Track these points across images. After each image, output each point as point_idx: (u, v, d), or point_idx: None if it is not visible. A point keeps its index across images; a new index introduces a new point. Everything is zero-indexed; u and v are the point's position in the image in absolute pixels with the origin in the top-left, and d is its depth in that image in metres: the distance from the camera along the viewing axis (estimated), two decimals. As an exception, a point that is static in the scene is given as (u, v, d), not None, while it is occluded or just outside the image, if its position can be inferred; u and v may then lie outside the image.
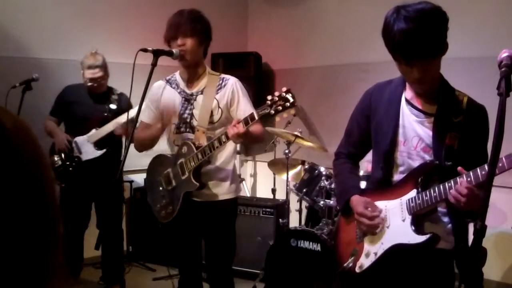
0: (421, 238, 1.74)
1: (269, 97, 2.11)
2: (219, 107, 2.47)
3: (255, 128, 2.34)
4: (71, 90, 3.61)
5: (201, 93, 2.50)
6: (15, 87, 3.38)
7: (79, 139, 3.53)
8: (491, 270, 3.56)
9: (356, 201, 1.91)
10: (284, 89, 2.08)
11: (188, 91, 2.53)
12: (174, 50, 2.36)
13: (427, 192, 1.74)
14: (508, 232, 3.59)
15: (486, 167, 1.54)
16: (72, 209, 3.57)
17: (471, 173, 1.60)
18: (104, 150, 3.58)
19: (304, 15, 4.93)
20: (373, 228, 1.87)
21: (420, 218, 1.80)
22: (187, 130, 2.51)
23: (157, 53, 2.28)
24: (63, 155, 3.53)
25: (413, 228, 1.77)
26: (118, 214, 3.65)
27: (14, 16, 3.80)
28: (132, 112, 3.32)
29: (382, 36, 1.71)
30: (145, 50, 2.24)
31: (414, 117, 1.84)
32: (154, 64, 2.27)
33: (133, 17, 4.46)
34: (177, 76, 2.60)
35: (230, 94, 2.48)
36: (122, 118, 3.48)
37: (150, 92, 2.58)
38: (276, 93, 2.09)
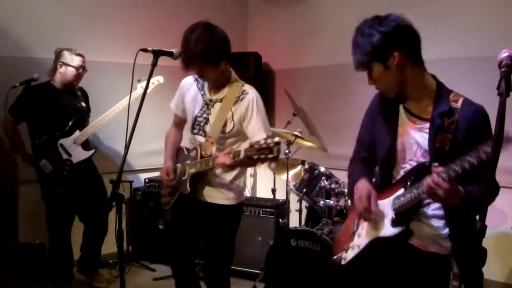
0: (393, 231, 1.78)
1: (262, 142, 2.13)
2: (232, 119, 2.48)
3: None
4: (39, 90, 3.48)
5: (220, 102, 2.51)
6: (15, 87, 3.38)
7: (64, 141, 3.50)
8: (491, 270, 3.56)
9: (361, 186, 1.92)
10: (276, 139, 2.12)
11: (210, 96, 2.56)
12: (174, 50, 2.36)
13: (410, 189, 1.77)
14: (508, 232, 3.59)
15: (458, 161, 1.55)
16: (64, 211, 3.59)
17: (445, 169, 1.60)
18: (93, 150, 3.63)
19: (304, 15, 4.93)
20: (364, 216, 1.89)
21: (403, 215, 1.82)
22: (200, 133, 2.56)
23: (157, 53, 2.28)
24: (53, 160, 3.47)
25: (392, 222, 1.81)
26: (104, 211, 3.63)
27: (14, 16, 3.80)
28: (121, 106, 3.56)
29: None
30: (145, 50, 2.24)
31: (412, 123, 1.85)
32: (154, 64, 2.27)
33: (133, 17, 4.46)
34: None
35: (244, 109, 2.46)
36: (106, 118, 3.57)
37: (180, 86, 2.70)
38: (268, 141, 2.12)
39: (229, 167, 2.31)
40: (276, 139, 2.13)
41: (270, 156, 2.10)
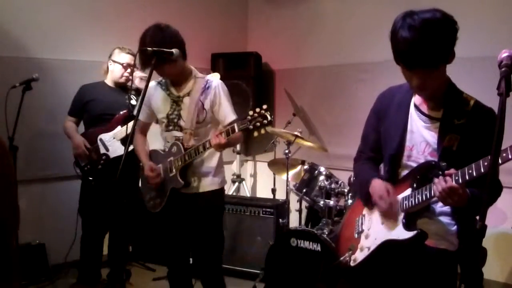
0: (408, 234, 1.77)
1: (251, 113, 2.30)
2: (203, 108, 2.60)
3: (234, 135, 2.46)
4: (89, 89, 3.57)
5: (188, 95, 2.62)
6: (15, 87, 3.38)
7: (104, 136, 3.52)
8: (491, 270, 3.56)
9: (374, 186, 1.92)
10: (264, 106, 2.28)
11: (176, 93, 2.66)
12: (174, 50, 2.38)
13: (419, 191, 1.78)
14: (508, 232, 3.59)
15: (473, 165, 1.55)
16: (98, 208, 3.52)
17: (459, 172, 1.61)
18: (132, 147, 3.59)
19: (304, 15, 4.93)
20: (388, 211, 1.87)
21: (412, 216, 1.83)
22: (175, 128, 2.66)
23: (157, 53, 2.28)
24: (92, 154, 3.49)
25: (403, 224, 1.81)
26: (131, 214, 3.62)
27: (14, 16, 3.80)
28: None
29: (389, 39, 1.72)
30: (145, 50, 2.24)
31: (422, 122, 1.86)
32: (154, 64, 2.27)
33: (134, 18, 4.45)
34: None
35: (212, 96, 2.61)
36: None
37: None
38: (257, 110, 2.27)
39: (224, 146, 2.44)
40: (264, 106, 2.32)
41: (265, 121, 2.26)
